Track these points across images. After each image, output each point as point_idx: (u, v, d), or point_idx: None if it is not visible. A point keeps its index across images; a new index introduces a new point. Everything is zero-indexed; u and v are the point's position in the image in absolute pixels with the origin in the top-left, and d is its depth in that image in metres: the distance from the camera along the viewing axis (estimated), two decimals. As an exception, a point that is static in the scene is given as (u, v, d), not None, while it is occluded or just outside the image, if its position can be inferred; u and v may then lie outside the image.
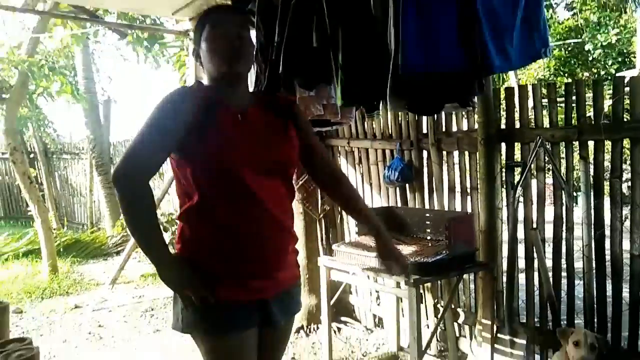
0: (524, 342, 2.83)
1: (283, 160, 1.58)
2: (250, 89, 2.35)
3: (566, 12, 14.54)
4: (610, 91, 2.81)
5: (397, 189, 3.54)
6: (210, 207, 1.50)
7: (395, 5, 2.05)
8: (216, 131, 1.48)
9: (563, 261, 2.75)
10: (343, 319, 3.99)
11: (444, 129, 3.25)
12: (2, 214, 10.48)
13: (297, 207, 3.81)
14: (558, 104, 2.88)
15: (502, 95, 3.17)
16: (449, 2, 2.01)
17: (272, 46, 2.40)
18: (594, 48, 12.30)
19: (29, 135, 9.67)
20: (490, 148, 2.91)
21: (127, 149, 1.45)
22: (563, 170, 2.75)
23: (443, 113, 3.18)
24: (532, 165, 2.76)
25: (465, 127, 3.19)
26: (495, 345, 2.87)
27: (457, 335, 3.29)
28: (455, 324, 3.29)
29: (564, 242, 2.74)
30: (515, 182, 2.82)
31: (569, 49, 13.35)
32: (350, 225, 3.97)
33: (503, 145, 2.96)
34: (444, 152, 3.27)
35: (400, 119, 3.49)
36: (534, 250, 2.78)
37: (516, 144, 2.93)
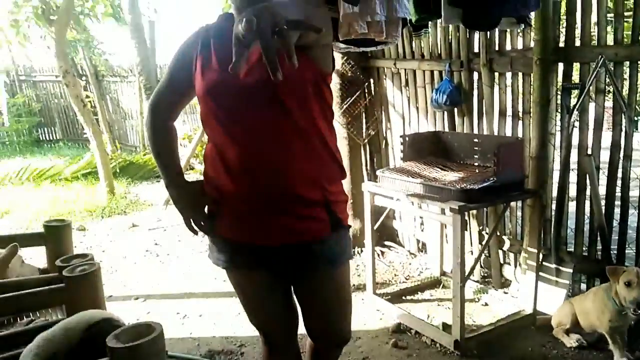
0: (570, 270, 2.79)
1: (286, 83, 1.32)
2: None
3: None
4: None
5: (445, 112, 3.41)
6: (209, 127, 1.47)
7: None
8: (211, 58, 1.41)
9: (618, 190, 2.63)
10: (387, 243, 4.05)
11: (496, 48, 3.05)
12: (61, 136, 10.96)
13: (340, 131, 3.77)
14: (625, 20, 2.62)
15: (563, 10, 2.92)
16: None
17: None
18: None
19: (79, 58, 9.80)
20: (546, 68, 2.72)
21: (157, 87, 1.57)
22: (625, 92, 2.56)
23: (497, 30, 2.98)
24: (591, 87, 2.57)
25: (520, 46, 2.99)
26: (540, 273, 2.84)
27: (502, 262, 3.29)
28: (500, 251, 3.27)
29: (620, 170, 2.60)
30: (572, 105, 2.66)
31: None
32: (395, 150, 3.91)
33: (560, 65, 2.77)
34: (496, 74, 3.09)
35: (450, 37, 3.29)
36: (587, 177, 2.66)
37: (575, 64, 2.73)
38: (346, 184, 3.72)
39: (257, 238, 1.45)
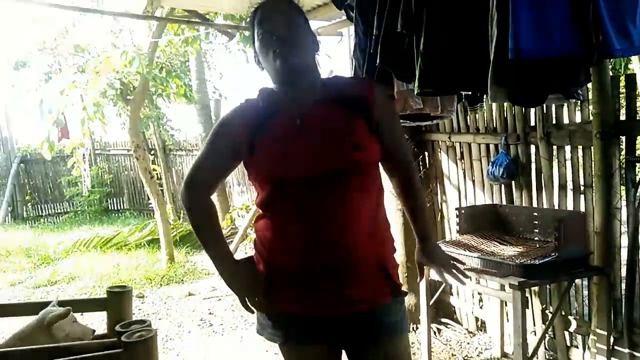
0: (646, 356, 2.57)
1: (345, 168, 1.38)
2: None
3: None
4: None
5: (502, 186, 3.35)
6: (267, 208, 1.48)
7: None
8: (267, 142, 1.43)
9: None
10: (443, 320, 3.89)
11: (554, 122, 3.02)
12: (127, 206, 11.53)
13: (394, 203, 3.76)
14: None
15: (622, 84, 2.88)
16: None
17: (370, 39, 2.34)
18: None
19: (150, 134, 10.48)
20: (608, 142, 2.65)
21: (193, 163, 1.56)
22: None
23: (553, 105, 2.96)
24: (658, 161, 2.48)
25: (578, 120, 2.95)
26: (612, 359, 2.63)
27: (568, 344, 3.07)
28: (566, 332, 3.06)
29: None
30: (637, 179, 2.56)
31: None
32: (451, 223, 3.84)
33: (623, 139, 2.70)
34: (554, 147, 3.04)
35: (505, 111, 3.29)
36: (660, 255, 2.50)
37: (638, 137, 2.66)
38: (401, 256, 3.66)
39: (315, 310, 1.44)
